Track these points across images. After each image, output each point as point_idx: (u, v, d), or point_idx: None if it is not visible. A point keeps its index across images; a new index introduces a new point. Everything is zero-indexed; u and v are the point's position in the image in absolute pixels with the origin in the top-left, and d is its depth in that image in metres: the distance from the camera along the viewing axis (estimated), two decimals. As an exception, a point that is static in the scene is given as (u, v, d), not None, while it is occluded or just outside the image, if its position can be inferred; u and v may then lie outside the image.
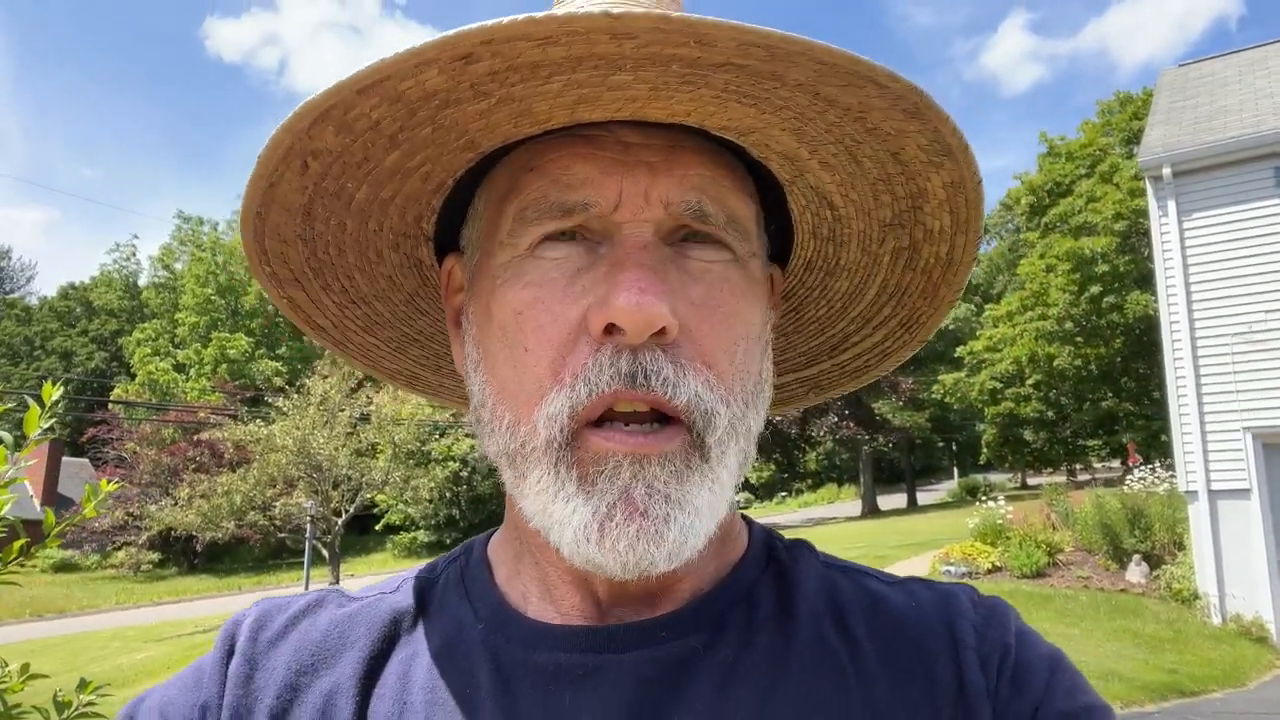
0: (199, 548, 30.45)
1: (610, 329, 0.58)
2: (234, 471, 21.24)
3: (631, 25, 0.50)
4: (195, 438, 30.20)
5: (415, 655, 0.67)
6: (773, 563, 0.72)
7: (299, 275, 0.72)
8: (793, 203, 0.72)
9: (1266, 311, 10.74)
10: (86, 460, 39.58)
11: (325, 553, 19.53)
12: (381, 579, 0.78)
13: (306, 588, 18.59)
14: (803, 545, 0.75)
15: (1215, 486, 10.77)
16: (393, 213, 0.69)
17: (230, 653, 0.69)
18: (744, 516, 0.77)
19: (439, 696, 0.63)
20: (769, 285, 0.73)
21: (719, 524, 0.62)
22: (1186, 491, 11.17)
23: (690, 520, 0.58)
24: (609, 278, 0.59)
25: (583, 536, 0.58)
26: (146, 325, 50.08)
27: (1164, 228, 11.58)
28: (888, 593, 0.70)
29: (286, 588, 27.11)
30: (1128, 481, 14.87)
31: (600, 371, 0.58)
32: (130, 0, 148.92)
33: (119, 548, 31.92)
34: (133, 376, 45.51)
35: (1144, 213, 15.13)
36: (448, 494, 33.87)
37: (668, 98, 0.57)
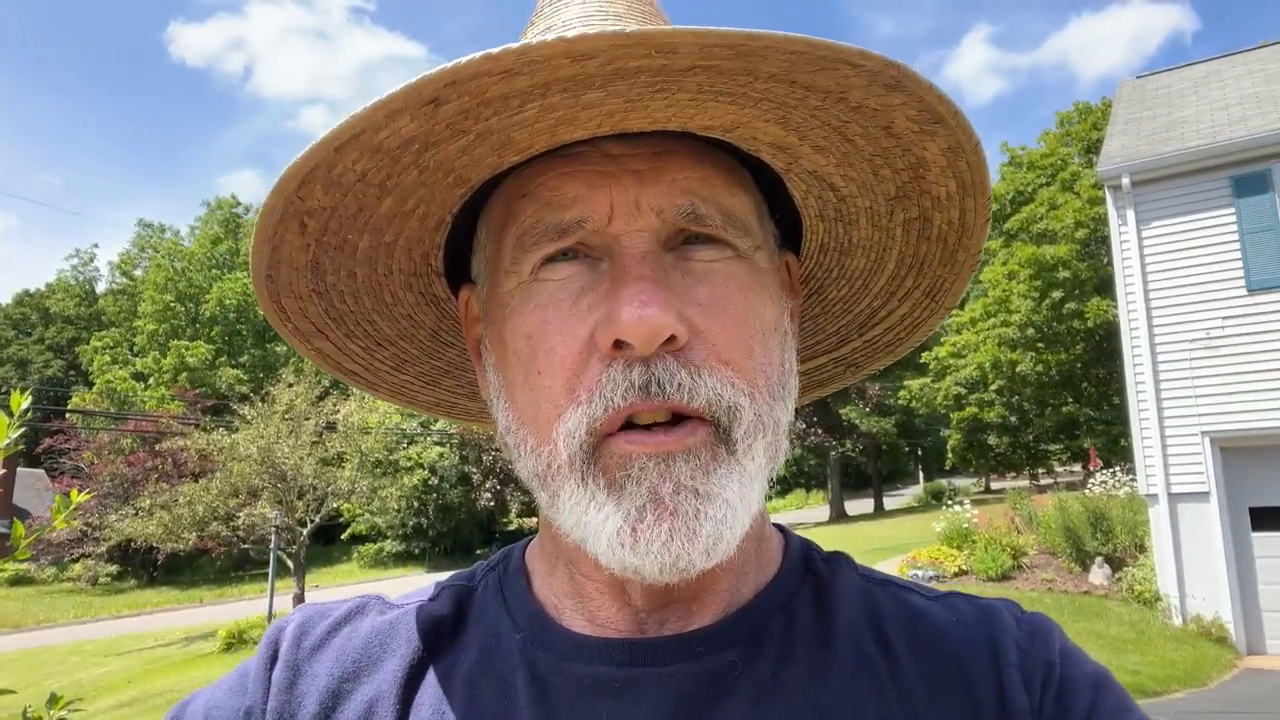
0: (159, 560, 29.94)
1: (619, 344, 0.58)
2: (196, 481, 20.89)
3: (588, 47, 0.50)
4: (156, 447, 29.68)
5: (454, 664, 0.67)
6: (810, 575, 0.71)
7: (321, 327, 0.72)
8: (793, 189, 0.71)
9: (1224, 318, 10.98)
10: (42, 471, 38.75)
11: (290, 564, 19.26)
12: (420, 584, 0.78)
13: (271, 599, 18.35)
14: (841, 558, 0.75)
15: (1175, 490, 10.97)
16: (399, 255, 0.69)
17: (274, 659, 0.69)
18: (780, 527, 0.76)
19: (477, 707, 0.63)
20: (784, 273, 0.72)
21: (753, 519, 0.61)
22: (1147, 495, 11.35)
23: (722, 513, 0.58)
24: (611, 294, 0.58)
25: (617, 542, 0.58)
26: (105, 333, 49.18)
27: (1123, 236, 11.80)
28: (929, 607, 0.69)
29: (250, 600, 26.71)
30: (1089, 485, 15.11)
31: (614, 386, 0.58)
32: (91, 4, 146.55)
33: (76, 560, 31.26)
34: (90, 385, 44.65)
35: (1104, 219, 15.43)
36: (415, 503, 33.56)
37: (644, 107, 0.57)
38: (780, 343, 0.66)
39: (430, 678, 0.67)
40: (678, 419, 0.59)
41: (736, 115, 0.60)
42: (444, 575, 0.78)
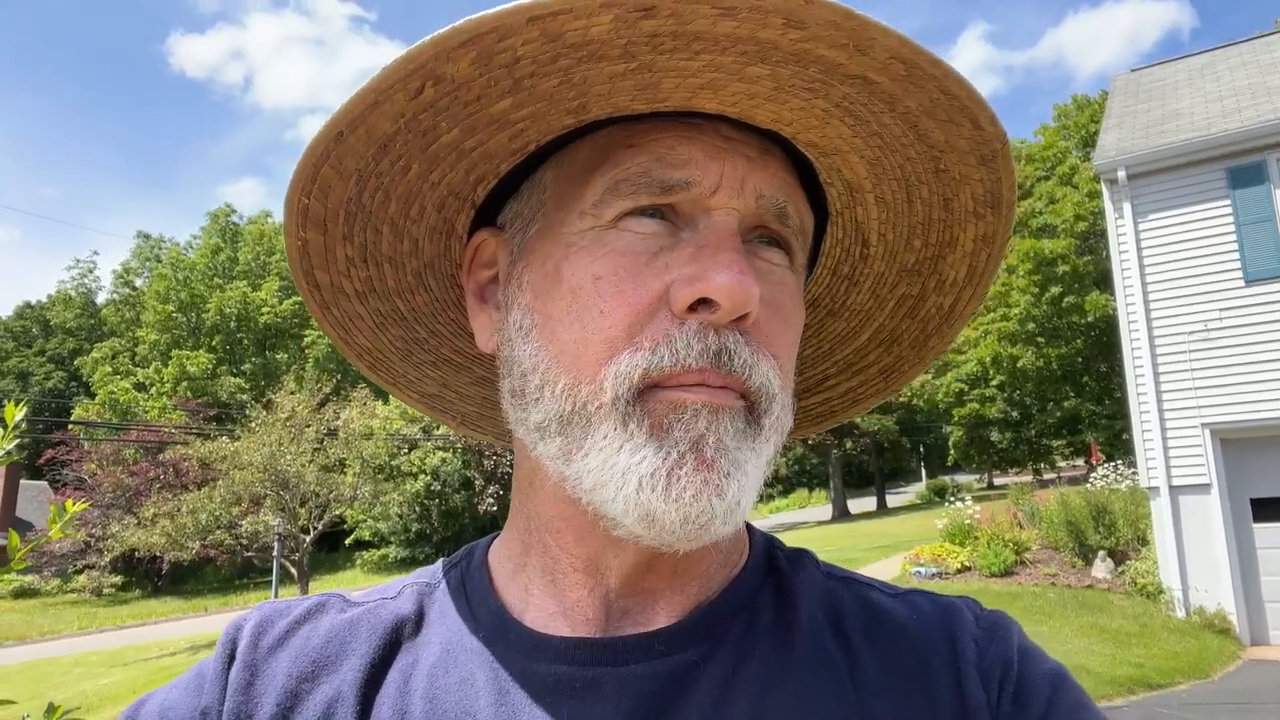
0: (163, 569, 29.93)
1: (696, 306, 0.59)
2: (199, 490, 20.88)
3: (810, 15, 0.52)
4: (159, 457, 29.67)
5: (415, 663, 0.67)
6: (773, 572, 0.72)
7: (329, 218, 0.68)
8: (830, 234, 0.73)
9: (1221, 310, 10.97)
10: (45, 483, 38.76)
11: (293, 571, 19.27)
12: (380, 583, 0.78)
13: (275, 607, 18.27)
14: (805, 555, 0.75)
15: (1176, 482, 10.95)
16: (462, 166, 0.67)
17: (231, 658, 0.68)
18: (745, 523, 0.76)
19: (438, 706, 0.63)
20: None
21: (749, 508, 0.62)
22: (1148, 488, 11.34)
23: (745, 481, 0.59)
24: (699, 257, 0.59)
25: (649, 485, 0.57)
26: (104, 344, 49.22)
27: (1120, 229, 11.80)
28: (889, 605, 0.70)
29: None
30: (1091, 479, 15.10)
31: (688, 345, 0.58)
32: (92, 17, 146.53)
33: (80, 571, 31.24)
34: (92, 396, 44.63)
35: (1103, 213, 15.41)
36: (419, 508, 33.55)
37: (783, 101, 0.60)
38: (796, 358, 0.68)
39: (391, 677, 0.66)
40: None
41: (846, 141, 0.63)
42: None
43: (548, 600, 0.67)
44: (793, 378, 0.66)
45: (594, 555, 0.65)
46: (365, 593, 0.76)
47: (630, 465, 0.58)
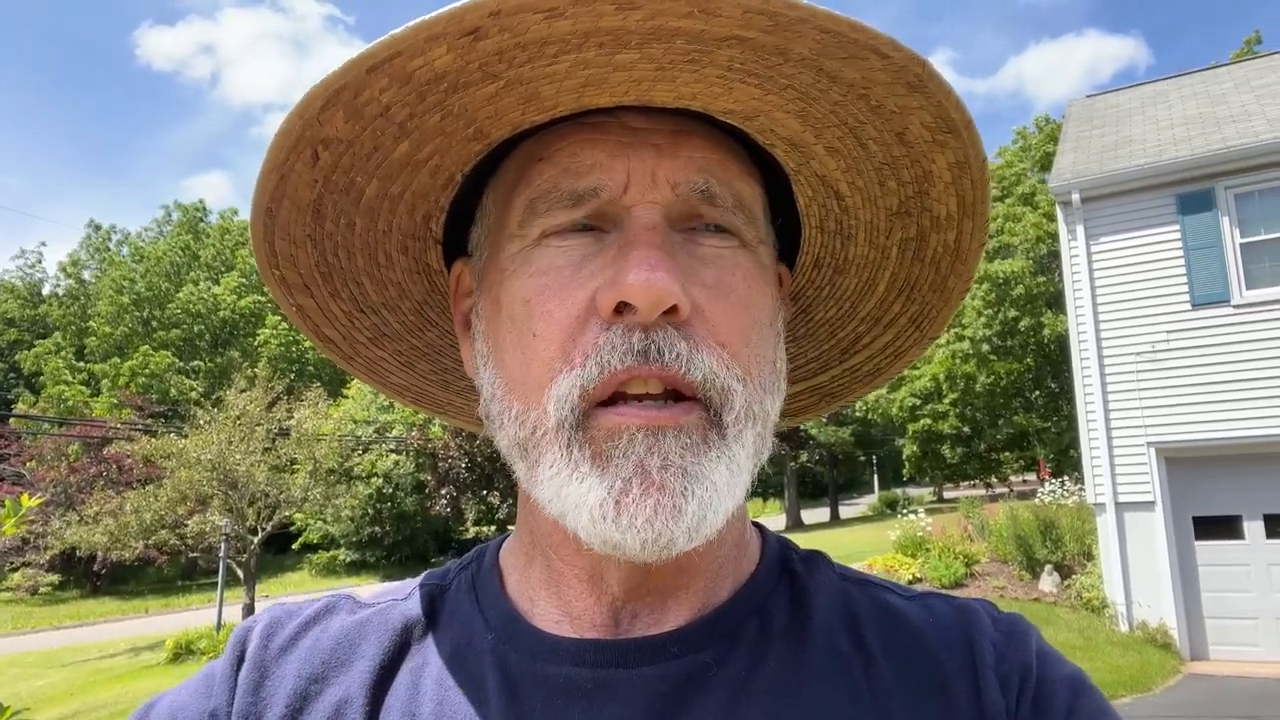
0: (102, 569, 29.16)
1: (621, 309, 0.57)
2: (144, 488, 20.39)
3: None
4: (102, 452, 28.93)
5: (425, 664, 0.66)
6: (787, 574, 0.70)
7: (308, 281, 0.70)
8: (799, 193, 0.71)
9: (1169, 332, 11.26)
10: (-19, 478, 37.60)
11: (240, 572, 18.89)
12: (392, 585, 0.76)
13: (220, 609, 17.99)
14: (818, 557, 0.74)
15: (1122, 499, 11.20)
16: (402, 211, 0.67)
17: (241, 659, 0.68)
18: (758, 526, 0.76)
19: (448, 708, 0.62)
20: (777, 279, 0.72)
21: (736, 510, 0.61)
22: (1095, 504, 11.57)
23: (708, 495, 0.57)
24: (618, 259, 0.58)
25: (599, 515, 0.56)
26: (50, 338, 47.94)
27: (1073, 251, 12.06)
28: (905, 607, 0.69)
29: (198, 609, 26.12)
30: (1040, 494, 15.39)
31: (612, 349, 0.57)
32: (58, 5, 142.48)
33: (15, 569, 30.34)
34: (35, 391, 43.40)
35: (1059, 235, 15.78)
36: (370, 511, 33.11)
37: (672, 79, 0.57)
38: (774, 340, 0.67)
39: (400, 679, 0.65)
40: (671, 397, 0.59)
41: (760, 101, 0.60)
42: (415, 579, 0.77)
43: (552, 609, 0.67)
44: (769, 358, 0.65)
45: (594, 565, 0.64)
46: (376, 594, 0.75)
47: (580, 497, 0.57)
